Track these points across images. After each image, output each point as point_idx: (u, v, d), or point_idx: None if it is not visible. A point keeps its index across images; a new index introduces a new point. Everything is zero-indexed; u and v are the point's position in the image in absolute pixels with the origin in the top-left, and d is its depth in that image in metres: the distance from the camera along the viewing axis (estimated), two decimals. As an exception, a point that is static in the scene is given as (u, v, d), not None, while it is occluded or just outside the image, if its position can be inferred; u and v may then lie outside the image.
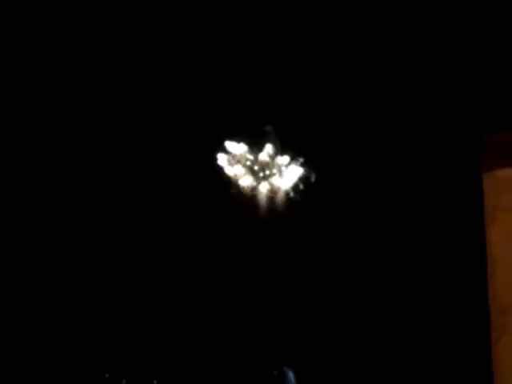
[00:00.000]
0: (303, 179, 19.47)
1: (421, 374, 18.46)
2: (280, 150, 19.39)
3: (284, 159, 19.42)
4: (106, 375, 20.97)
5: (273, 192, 19.30)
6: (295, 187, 19.46)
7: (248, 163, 19.52)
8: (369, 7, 17.09)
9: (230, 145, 19.53)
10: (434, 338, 18.77)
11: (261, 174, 19.29)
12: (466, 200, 15.38)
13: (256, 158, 19.49)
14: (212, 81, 18.52)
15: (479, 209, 9.48)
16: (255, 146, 19.26)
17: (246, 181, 19.33)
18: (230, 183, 19.44)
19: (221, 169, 19.42)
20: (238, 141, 19.60)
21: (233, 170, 19.55)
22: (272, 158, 19.15)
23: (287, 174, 19.36)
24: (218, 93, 18.67)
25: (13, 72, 18.21)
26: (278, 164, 19.41)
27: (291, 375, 18.74)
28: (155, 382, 20.82)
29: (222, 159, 19.79)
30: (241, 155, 19.57)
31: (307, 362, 19.88)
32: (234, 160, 19.68)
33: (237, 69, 18.42)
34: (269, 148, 19.37)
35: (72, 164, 19.73)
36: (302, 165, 19.49)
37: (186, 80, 18.93)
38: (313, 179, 18.87)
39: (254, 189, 19.32)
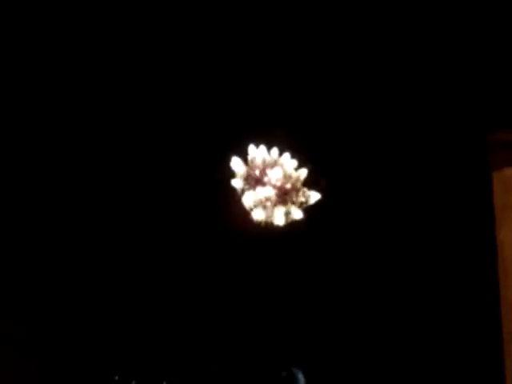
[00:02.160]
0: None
1: (433, 375, 18.43)
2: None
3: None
4: (116, 377, 21.01)
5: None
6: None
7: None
8: (373, 7, 17.09)
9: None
10: (446, 338, 18.75)
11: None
12: (476, 200, 15.35)
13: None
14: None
15: (489, 208, 9.46)
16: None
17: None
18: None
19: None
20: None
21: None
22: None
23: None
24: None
25: (13, 72, 18.24)
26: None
27: (300, 376, 18.72)
28: (164, 382, 20.84)
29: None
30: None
31: (316, 362, 19.87)
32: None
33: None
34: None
35: (75, 171, 19.69)
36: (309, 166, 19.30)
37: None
38: (323, 183, 18.76)
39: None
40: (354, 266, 19.01)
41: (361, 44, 17.11)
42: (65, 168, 19.04)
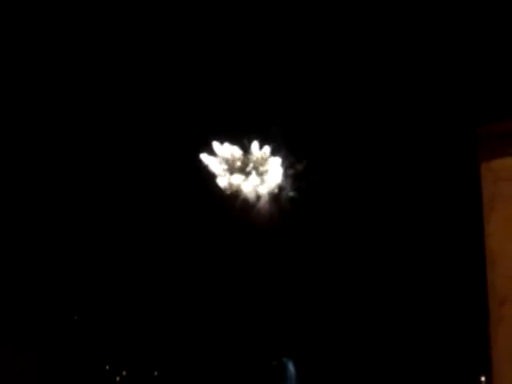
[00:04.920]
0: (303, 177, 19.36)
1: (421, 362, 18.55)
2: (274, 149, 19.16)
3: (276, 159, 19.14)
4: (107, 367, 21.06)
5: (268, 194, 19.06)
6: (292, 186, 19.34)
7: (237, 163, 19.11)
8: (366, 5, 17.11)
9: (216, 146, 19.12)
10: (434, 327, 18.88)
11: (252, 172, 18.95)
12: (465, 191, 15.45)
13: (246, 157, 19.16)
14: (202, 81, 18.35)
15: (477, 199, 9.53)
16: (242, 145, 19.01)
17: (235, 179, 18.95)
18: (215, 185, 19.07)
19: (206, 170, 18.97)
20: (224, 141, 19.19)
21: (218, 170, 19.09)
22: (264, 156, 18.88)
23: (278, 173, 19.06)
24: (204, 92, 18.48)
25: (13, 72, 18.15)
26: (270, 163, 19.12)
27: (291, 366, 18.83)
28: (156, 372, 20.91)
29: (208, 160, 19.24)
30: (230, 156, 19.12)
31: (307, 352, 19.98)
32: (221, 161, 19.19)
33: (229, 68, 18.29)
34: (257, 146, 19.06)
35: (55, 162, 19.56)
36: (298, 161, 19.32)
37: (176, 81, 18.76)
38: (302, 168, 18.79)
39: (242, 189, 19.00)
40: (342, 258, 19.09)
41: (350, 39, 17.15)
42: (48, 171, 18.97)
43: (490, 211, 9.20)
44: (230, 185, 18.80)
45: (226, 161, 19.05)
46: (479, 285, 9.19)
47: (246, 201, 18.95)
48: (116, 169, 19.25)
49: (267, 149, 19.05)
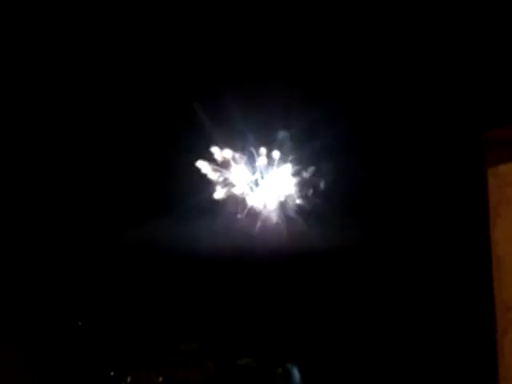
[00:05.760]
0: (307, 182, 19.12)
1: (427, 370, 18.51)
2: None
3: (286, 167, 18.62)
4: (111, 373, 21.04)
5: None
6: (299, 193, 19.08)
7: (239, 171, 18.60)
8: (369, 6, 17.10)
9: (215, 151, 18.58)
10: (440, 336, 18.83)
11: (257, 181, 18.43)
12: (471, 197, 15.43)
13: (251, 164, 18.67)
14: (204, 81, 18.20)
15: (484, 205, 9.51)
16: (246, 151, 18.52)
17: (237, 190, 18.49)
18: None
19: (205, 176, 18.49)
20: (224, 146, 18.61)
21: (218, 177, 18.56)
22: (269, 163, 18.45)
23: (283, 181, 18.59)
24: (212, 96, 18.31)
25: (13, 72, 18.17)
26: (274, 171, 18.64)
27: (295, 371, 18.80)
28: (160, 379, 20.88)
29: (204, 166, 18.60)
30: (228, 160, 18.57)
31: (312, 357, 19.93)
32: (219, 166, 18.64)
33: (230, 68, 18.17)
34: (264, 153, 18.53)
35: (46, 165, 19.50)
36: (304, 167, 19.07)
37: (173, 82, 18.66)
38: (312, 172, 18.60)
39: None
40: (347, 265, 19.04)
41: (357, 42, 17.14)
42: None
43: (496, 217, 9.18)
44: (232, 196, 18.27)
45: (227, 168, 18.48)
46: (485, 292, 9.15)
47: (251, 215, 18.51)
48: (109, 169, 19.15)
49: (277, 154, 18.44)
